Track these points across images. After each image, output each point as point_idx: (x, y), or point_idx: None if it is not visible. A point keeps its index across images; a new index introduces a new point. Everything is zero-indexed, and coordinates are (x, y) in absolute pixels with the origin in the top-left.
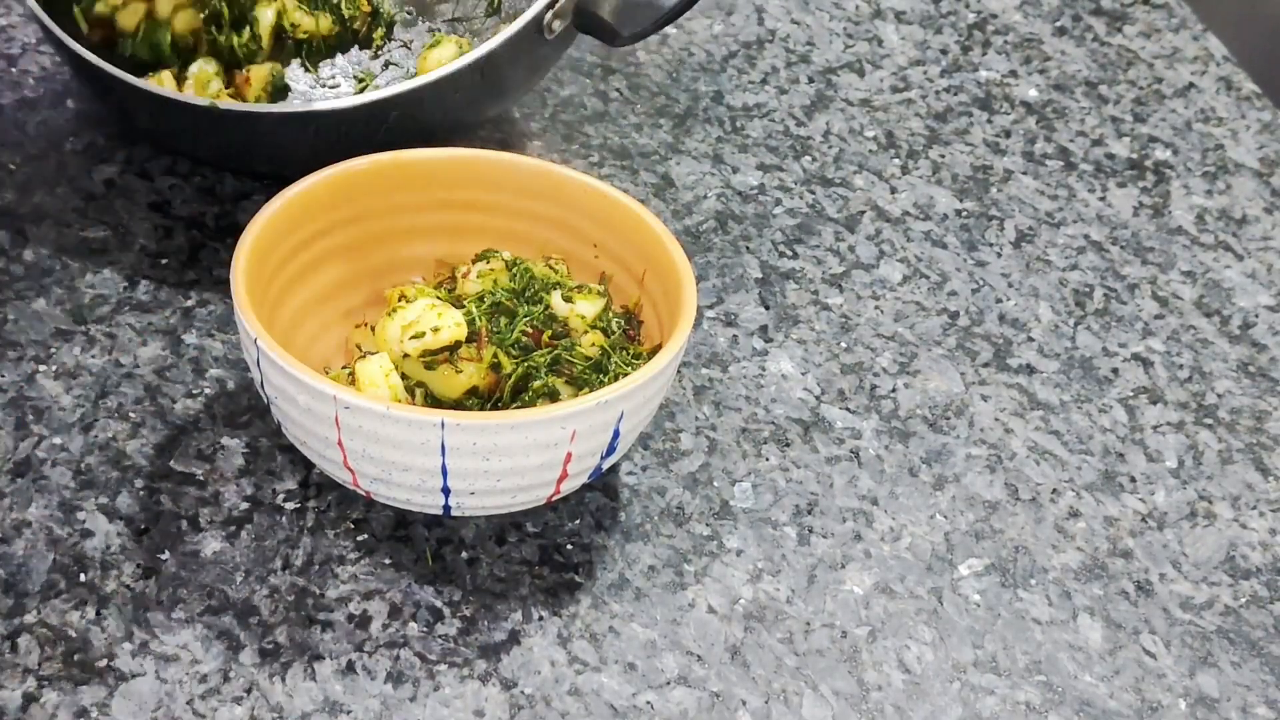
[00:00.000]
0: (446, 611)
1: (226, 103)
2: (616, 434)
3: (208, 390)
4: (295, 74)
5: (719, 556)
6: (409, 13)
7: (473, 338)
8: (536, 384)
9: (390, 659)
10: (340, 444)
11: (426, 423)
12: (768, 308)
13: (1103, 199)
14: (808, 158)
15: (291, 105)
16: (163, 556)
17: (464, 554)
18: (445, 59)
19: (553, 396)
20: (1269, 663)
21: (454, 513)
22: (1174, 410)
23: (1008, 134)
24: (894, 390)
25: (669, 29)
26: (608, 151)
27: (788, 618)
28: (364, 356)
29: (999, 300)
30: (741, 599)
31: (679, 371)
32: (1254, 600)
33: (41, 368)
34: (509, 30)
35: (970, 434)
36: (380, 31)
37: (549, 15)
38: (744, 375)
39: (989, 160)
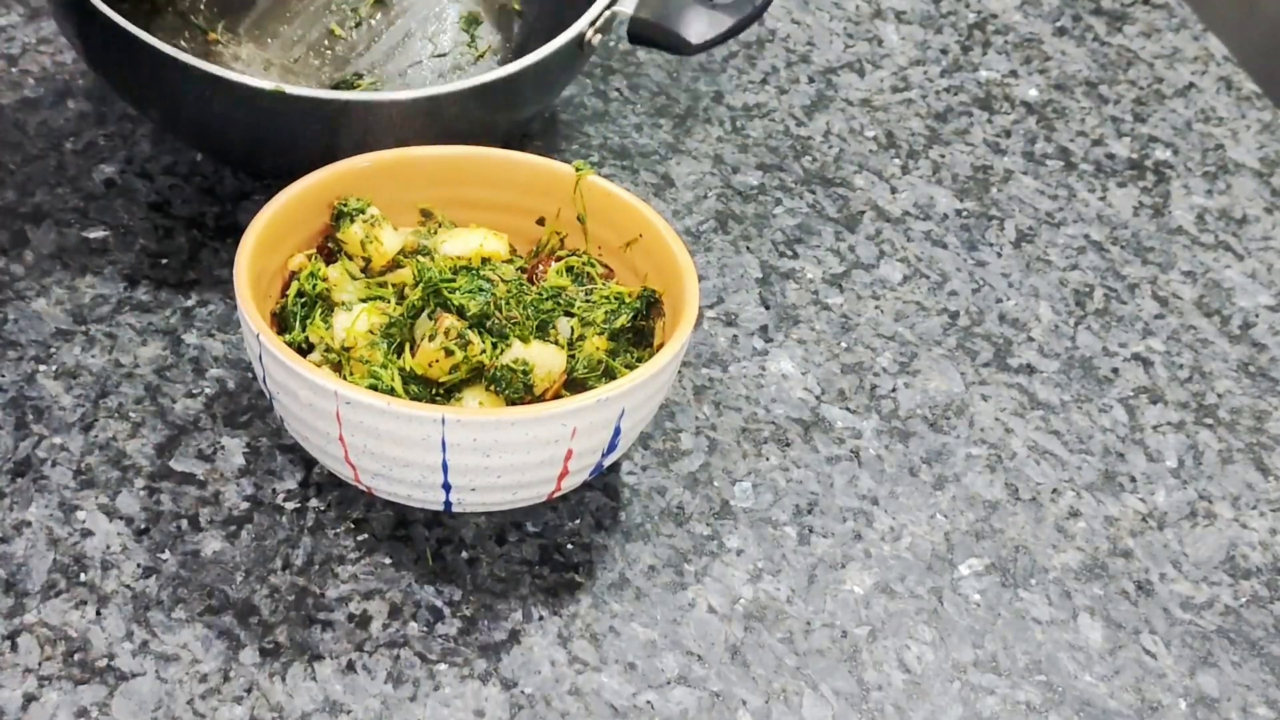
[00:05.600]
0: (447, 611)
1: (291, 88)
2: (618, 431)
3: (208, 390)
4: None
5: (719, 556)
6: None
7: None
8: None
9: (390, 659)
10: (342, 439)
11: (427, 418)
12: (768, 308)
13: (1103, 199)
14: (808, 158)
15: (322, 92)
16: (163, 556)
17: (464, 554)
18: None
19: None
20: (1269, 663)
21: (455, 509)
22: (1174, 410)
23: (1008, 134)
24: (894, 390)
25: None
26: (608, 151)
27: (788, 617)
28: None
29: (999, 300)
30: (741, 599)
31: (679, 371)
32: (1254, 600)
33: (41, 368)
34: (551, 45)
35: (970, 434)
36: None
37: (590, 31)
38: (744, 375)
39: (989, 160)
